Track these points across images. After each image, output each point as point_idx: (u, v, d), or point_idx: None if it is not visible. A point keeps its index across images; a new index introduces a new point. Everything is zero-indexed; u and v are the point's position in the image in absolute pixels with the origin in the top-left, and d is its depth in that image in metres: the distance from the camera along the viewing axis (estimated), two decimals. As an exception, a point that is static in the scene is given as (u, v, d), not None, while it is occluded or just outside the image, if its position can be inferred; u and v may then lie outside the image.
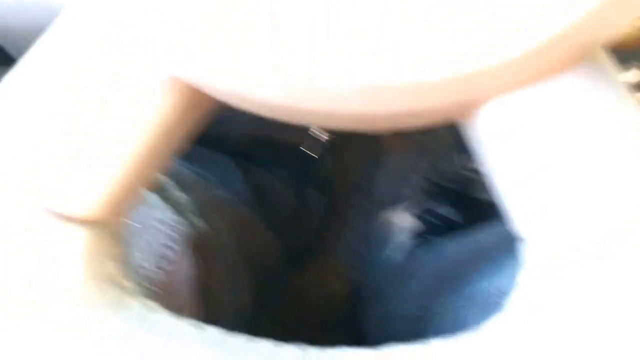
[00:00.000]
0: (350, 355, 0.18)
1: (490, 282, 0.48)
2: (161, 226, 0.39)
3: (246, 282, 0.52)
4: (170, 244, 0.39)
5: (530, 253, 0.18)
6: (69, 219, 0.18)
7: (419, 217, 0.72)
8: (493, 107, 0.17)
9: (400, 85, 0.16)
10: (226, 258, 0.48)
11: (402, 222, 0.73)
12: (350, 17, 0.15)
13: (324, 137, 0.54)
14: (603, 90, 0.17)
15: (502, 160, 0.18)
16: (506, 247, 0.53)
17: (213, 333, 0.18)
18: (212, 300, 0.41)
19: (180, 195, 0.44)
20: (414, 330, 0.58)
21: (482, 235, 0.55)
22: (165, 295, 0.38)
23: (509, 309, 0.18)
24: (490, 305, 0.48)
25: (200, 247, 0.42)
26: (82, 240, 0.18)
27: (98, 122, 0.17)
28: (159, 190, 0.43)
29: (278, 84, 0.16)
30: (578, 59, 0.17)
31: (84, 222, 0.18)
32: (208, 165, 0.55)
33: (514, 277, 0.45)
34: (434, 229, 0.70)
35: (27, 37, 0.38)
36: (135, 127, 0.18)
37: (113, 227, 0.20)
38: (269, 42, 0.16)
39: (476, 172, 0.55)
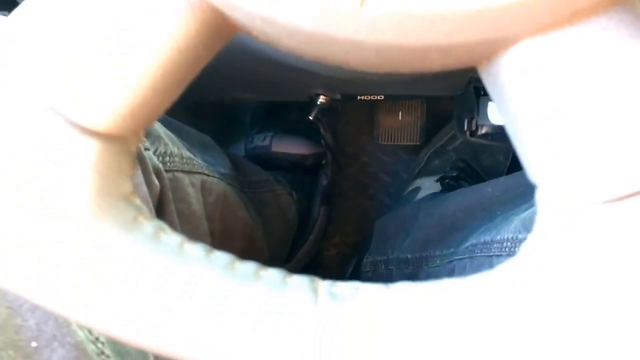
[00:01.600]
0: (361, 287, 0.18)
1: (486, 235, 0.51)
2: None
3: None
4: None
5: (545, 199, 0.18)
6: (85, 130, 0.18)
7: (444, 184, 0.74)
8: (522, 48, 0.17)
9: (438, 14, 0.15)
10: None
11: (427, 187, 0.76)
12: None
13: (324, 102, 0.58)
14: (635, 37, 0.16)
15: (524, 103, 0.17)
16: (503, 203, 0.55)
17: (222, 258, 0.18)
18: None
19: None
20: (413, 276, 0.61)
21: (484, 189, 0.58)
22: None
23: (524, 253, 0.18)
24: (484, 258, 0.51)
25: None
26: (96, 152, 0.18)
27: (121, 35, 0.17)
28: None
29: (314, 6, 0.15)
30: (613, 2, 0.16)
31: (99, 135, 0.18)
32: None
33: (506, 229, 0.48)
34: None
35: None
36: (157, 44, 0.17)
37: (128, 145, 0.19)
38: None
39: (472, 135, 0.57)
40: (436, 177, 0.76)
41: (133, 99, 0.18)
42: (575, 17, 0.16)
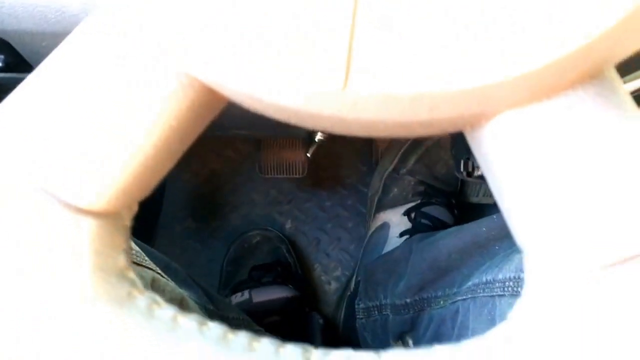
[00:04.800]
0: (353, 357, 0.18)
1: (488, 274, 0.49)
2: None
3: None
4: None
5: (532, 265, 0.18)
6: (78, 209, 0.18)
7: (412, 219, 0.73)
8: (503, 120, 0.17)
9: (418, 95, 0.16)
10: None
11: (396, 222, 0.74)
12: (374, 28, 0.16)
13: (323, 139, 0.55)
14: (612, 107, 0.17)
15: (508, 172, 0.18)
16: (501, 239, 0.54)
17: (216, 331, 0.18)
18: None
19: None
20: (414, 320, 0.59)
21: (478, 229, 0.57)
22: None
23: (513, 320, 0.18)
24: (487, 298, 0.49)
25: None
26: (90, 231, 0.18)
27: (113, 116, 0.18)
28: None
29: (299, 90, 0.16)
30: (589, 76, 0.17)
31: (93, 213, 0.18)
32: None
33: (507, 268, 0.46)
34: (426, 230, 0.71)
35: (40, 40, 0.40)
36: (149, 123, 0.18)
37: (121, 220, 0.19)
38: (293, 48, 0.16)
39: (469, 175, 0.56)
40: (401, 210, 0.74)
41: (125, 177, 0.18)
42: (553, 91, 0.17)
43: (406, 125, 0.17)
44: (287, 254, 0.84)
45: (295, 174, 0.79)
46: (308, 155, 0.57)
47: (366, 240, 0.78)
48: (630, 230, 0.17)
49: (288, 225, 0.89)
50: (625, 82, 0.31)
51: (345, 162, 0.90)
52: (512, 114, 0.17)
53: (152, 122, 0.18)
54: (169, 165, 0.20)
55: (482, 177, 0.55)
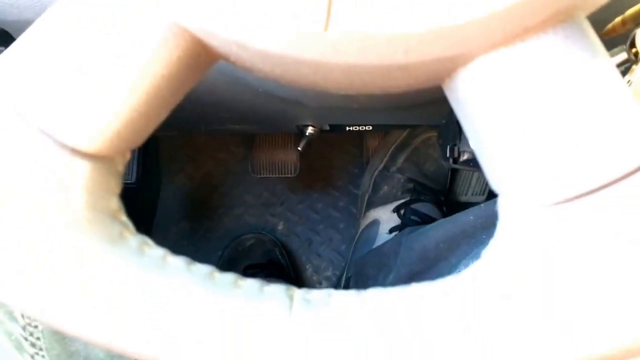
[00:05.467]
0: (334, 294, 0.19)
1: (471, 260, 0.50)
2: None
3: None
4: None
5: (503, 205, 0.19)
6: (74, 151, 0.19)
7: (402, 216, 0.74)
8: (477, 65, 0.18)
9: (395, 35, 0.16)
10: None
11: (386, 219, 0.75)
12: None
13: (313, 133, 0.56)
14: (580, 50, 0.17)
15: (482, 115, 0.18)
16: (488, 228, 0.55)
17: (203, 269, 0.19)
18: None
19: None
20: None
21: (466, 218, 0.57)
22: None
23: (484, 258, 0.19)
24: None
25: None
26: (84, 171, 0.19)
27: (107, 62, 0.18)
28: None
29: (283, 33, 0.17)
30: (559, 20, 0.17)
31: (87, 155, 0.19)
32: None
33: None
34: (415, 226, 0.72)
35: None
36: (141, 71, 0.18)
37: (114, 165, 0.20)
38: None
39: (455, 162, 0.57)
40: (391, 207, 0.76)
41: (118, 122, 0.19)
42: (525, 34, 0.17)
43: (386, 70, 0.18)
44: (280, 256, 0.86)
45: (287, 174, 0.81)
46: (299, 149, 0.58)
47: (356, 237, 0.79)
48: (584, 169, 0.18)
49: (280, 226, 0.90)
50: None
51: (336, 164, 0.92)
52: (486, 58, 0.18)
53: (143, 69, 0.18)
54: (161, 114, 0.20)
55: (467, 163, 0.56)
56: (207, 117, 0.49)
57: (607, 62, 0.18)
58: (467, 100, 0.19)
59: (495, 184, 0.20)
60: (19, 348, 0.30)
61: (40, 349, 0.30)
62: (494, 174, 0.19)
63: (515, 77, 0.18)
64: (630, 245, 0.18)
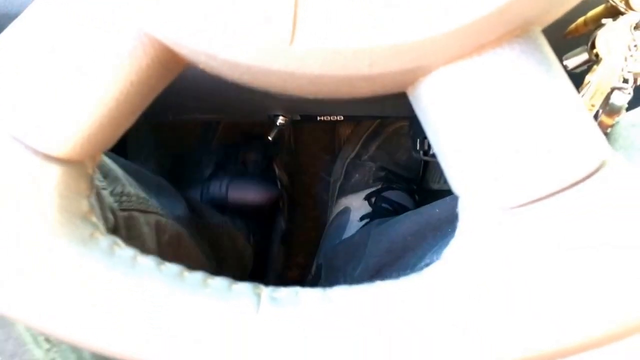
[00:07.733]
0: (301, 292, 0.20)
1: (435, 253, 0.50)
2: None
3: None
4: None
5: (461, 209, 0.20)
6: (45, 156, 0.19)
7: (373, 204, 0.75)
8: (438, 75, 0.18)
9: (359, 49, 0.17)
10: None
11: (357, 207, 0.76)
12: None
13: (283, 123, 0.56)
14: (534, 63, 0.18)
15: (442, 123, 0.19)
16: (452, 222, 0.56)
17: (173, 269, 0.20)
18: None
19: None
20: None
21: (432, 211, 0.58)
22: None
23: (443, 258, 0.20)
24: None
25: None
26: (55, 176, 0.19)
27: (77, 69, 0.18)
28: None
29: (250, 45, 0.17)
30: (514, 35, 0.18)
31: (58, 160, 0.19)
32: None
33: None
34: (386, 214, 0.73)
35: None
36: (110, 78, 0.19)
37: (84, 168, 0.21)
38: (243, 5, 0.17)
39: (425, 154, 0.57)
40: (362, 195, 0.76)
41: (88, 128, 0.19)
42: (482, 48, 0.18)
43: (350, 80, 0.18)
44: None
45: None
46: (269, 138, 0.58)
47: (327, 224, 0.80)
48: (537, 175, 0.19)
49: (252, 213, 0.90)
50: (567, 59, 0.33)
51: (308, 151, 0.92)
52: (445, 70, 0.18)
53: (113, 76, 0.19)
54: (130, 119, 0.21)
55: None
56: (175, 107, 0.48)
57: (561, 73, 0.19)
58: (428, 108, 0.19)
59: (455, 187, 0.20)
60: (36, 343, 0.31)
61: (54, 345, 0.31)
62: (455, 177, 0.20)
63: (472, 87, 0.18)
64: (583, 249, 0.19)
